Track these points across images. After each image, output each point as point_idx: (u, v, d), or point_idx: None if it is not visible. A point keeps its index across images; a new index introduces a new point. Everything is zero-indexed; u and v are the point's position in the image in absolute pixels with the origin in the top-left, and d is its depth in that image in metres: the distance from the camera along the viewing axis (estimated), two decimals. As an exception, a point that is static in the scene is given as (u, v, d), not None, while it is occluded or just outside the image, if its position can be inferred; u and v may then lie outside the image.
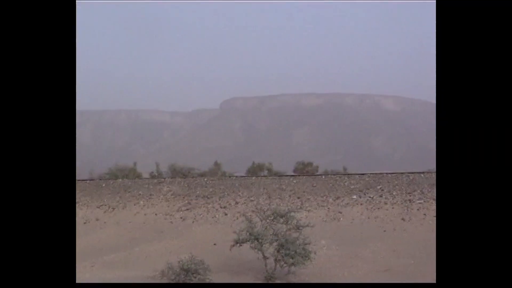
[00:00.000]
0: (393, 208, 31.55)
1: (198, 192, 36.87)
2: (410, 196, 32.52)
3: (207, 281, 20.96)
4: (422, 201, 31.82)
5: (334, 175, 40.64)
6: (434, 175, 36.79)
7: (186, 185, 38.65)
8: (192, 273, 20.94)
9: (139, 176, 48.12)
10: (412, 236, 28.06)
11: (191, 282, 20.80)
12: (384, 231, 29.04)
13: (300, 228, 22.54)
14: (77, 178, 34.01)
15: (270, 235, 22.17)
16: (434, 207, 31.01)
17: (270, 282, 21.82)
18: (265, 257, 22.16)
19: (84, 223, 34.68)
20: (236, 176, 44.04)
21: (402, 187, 34.00)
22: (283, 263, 21.98)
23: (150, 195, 37.47)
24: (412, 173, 38.02)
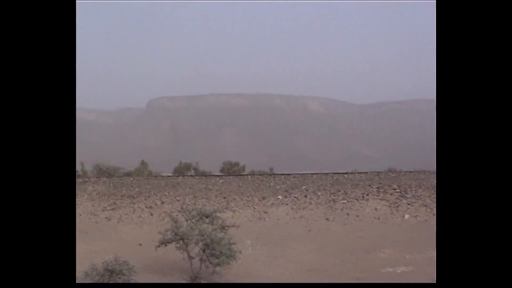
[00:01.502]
0: (317, 208, 32.09)
1: (123, 192, 36.52)
2: (334, 196, 33.16)
3: (132, 282, 20.81)
4: (345, 201, 32.49)
5: (260, 175, 41.03)
6: (357, 176, 37.63)
7: (111, 185, 38.21)
8: (117, 274, 20.76)
9: (63, 175, 47.17)
10: (335, 236, 28.63)
11: (115, 282, 20.62)
12: (309, 230, 29.51)
13: (226, 228, 22.66)
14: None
15: (196, 235, 22.20)
16: (357, 207, 31.77)
17: (195, 282, 21.85)
18: (190, 257, 22.18)
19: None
20: (163, 176, 43.83)
21: (326, 187, 34.63)
22: (208, 263, 22.05)
23: (74, 195, 36.91)
24: (336, 173, 38.80)
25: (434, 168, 42.70)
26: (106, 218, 33.35)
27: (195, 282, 21.89)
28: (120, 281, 20.71)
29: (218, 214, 23.22)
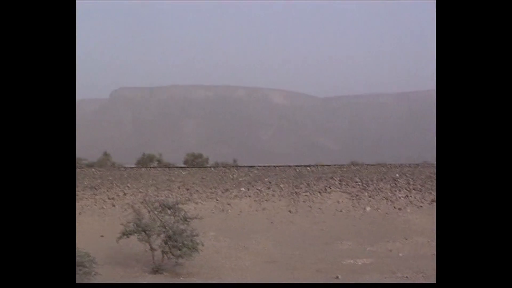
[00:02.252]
0: (280, 200, 32.23)
1: (85, 183, 36.22)
2: (297, 188, 33.34)
3: (93, 274, 20.63)
4: (308, 193, 32.69)
5: (223, 167, 41.08)
6: (320, 168, 37.88)
7: (73, 176, 37.81)
8: (77, 266, 20.59)
9: (23, 166, 46.60)
10: (298, 228, 28.81)
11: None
12: (272, 222, 29.64)
13: (188, 220, 22.63)
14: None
15: (158, 227, 22.14)
16: (320, 199, 31.99)
17: (157, 273, 21.80)
18: (152, 249, 22.13)
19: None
20: (125, 167, 43.56)
21: (289, 179, 34.80)
22: (170, 254, 22.01)
23: (35, 186, 36.44)
24: (299, 166, 39.04)
25: (394, 161, 43.20)
26: (67, 209, 33.04)
27: (156, 273, 21.83)
28: (80, 273, 20.55)
29: (180, 206, 23.19)
